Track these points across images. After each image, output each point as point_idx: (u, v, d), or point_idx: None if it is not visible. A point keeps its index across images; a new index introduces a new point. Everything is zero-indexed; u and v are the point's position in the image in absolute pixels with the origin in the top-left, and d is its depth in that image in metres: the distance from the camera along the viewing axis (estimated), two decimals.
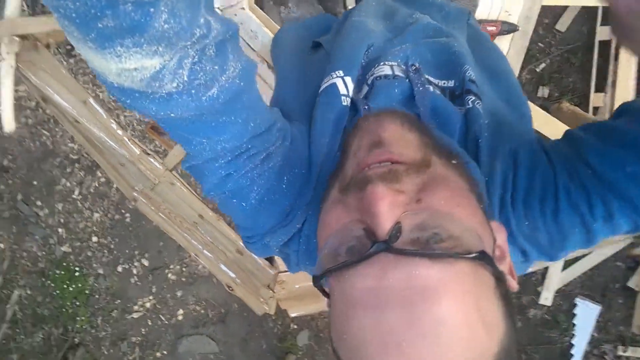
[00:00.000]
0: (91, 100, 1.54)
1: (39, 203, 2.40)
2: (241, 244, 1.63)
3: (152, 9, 0.34)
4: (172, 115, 0.45)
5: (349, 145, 0.54)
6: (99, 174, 2.38)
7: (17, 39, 1.44)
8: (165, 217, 1.67)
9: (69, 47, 2.28)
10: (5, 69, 1.46)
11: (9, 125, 1.56)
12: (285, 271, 1.62)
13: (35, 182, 2.38)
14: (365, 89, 0.63)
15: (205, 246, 1.67)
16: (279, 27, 1.53)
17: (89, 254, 2.44)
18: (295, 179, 0.57)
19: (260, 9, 1.56)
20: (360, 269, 0.41)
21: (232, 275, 1.67)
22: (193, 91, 0.43)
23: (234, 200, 0.56)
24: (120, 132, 1.57)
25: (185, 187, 1.63)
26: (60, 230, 2.43)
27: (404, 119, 0.53)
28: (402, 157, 0.48)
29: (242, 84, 0.48)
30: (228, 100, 0.47)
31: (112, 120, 1.58)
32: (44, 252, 2.45)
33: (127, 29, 0.34)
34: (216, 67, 0.44)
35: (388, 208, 0.42)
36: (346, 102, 0.60)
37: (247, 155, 0.53)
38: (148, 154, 1.59)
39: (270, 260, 1.65)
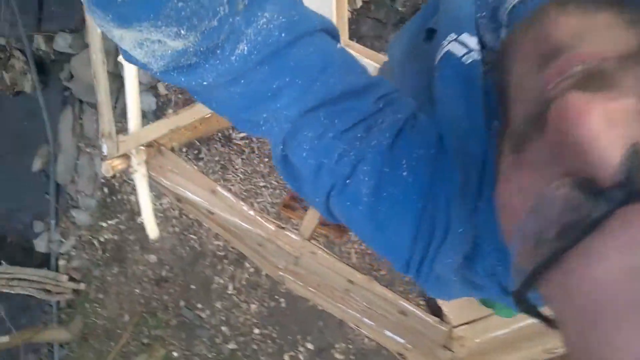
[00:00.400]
0: (219, 188, 1.57)
1: (199, 305, 2.47)
2: (402, 302, 1.46)
3: None
4: (205, 83, 0.40)
5: (504, 84, 0.36)
6: (247, 265, 2.40)
7: (143, 148, 1.52)
8: (315, 290, 1.58)
9: (196, 151, 2.42)
10: (139, 179, 1.54)
11: (153, 233, 1.62)
12: (461, 325, 1.39)
13: (192, 286, 2.47)
14: (504, 32, 0.47)
15: (364, 313, 1.52)
16: (377, 53, 1.44)
17: (254, 347, 2.42)
18: (419, 163, 0.42)
19: None
20: (593, 248, 0.22)
21: (401, 340, 1.49)
22: (218, 51, 0.38)
23: (347, 204, 0.43)
24: (252, 212, 1.57)
25: (328, 253, 1.53)
26: (223, 328, 2.46)
27: (578, 2, 0.33)
28: (603, 53, 0.28)
29: (283, 35, 0.40)
30: (265, 57, 0.40)
31: (243, 203, 1.58)
32: (213, 354, 2.48)
33: (141, 3, 0.32)
34: (238, 19, 0.37)
35: (605, 125, 0.23)
36: (471, 58, 0.45)
37: (334, 131, 0.42)
38: (283, 228, 1.54)
39: (439, 314, 1.43)
